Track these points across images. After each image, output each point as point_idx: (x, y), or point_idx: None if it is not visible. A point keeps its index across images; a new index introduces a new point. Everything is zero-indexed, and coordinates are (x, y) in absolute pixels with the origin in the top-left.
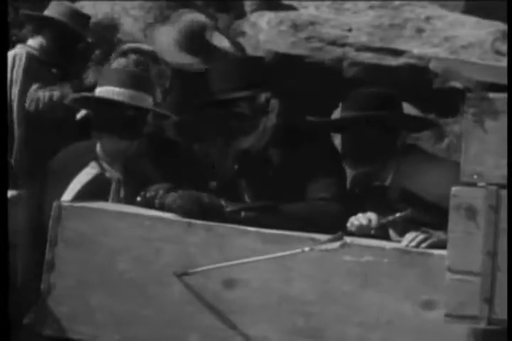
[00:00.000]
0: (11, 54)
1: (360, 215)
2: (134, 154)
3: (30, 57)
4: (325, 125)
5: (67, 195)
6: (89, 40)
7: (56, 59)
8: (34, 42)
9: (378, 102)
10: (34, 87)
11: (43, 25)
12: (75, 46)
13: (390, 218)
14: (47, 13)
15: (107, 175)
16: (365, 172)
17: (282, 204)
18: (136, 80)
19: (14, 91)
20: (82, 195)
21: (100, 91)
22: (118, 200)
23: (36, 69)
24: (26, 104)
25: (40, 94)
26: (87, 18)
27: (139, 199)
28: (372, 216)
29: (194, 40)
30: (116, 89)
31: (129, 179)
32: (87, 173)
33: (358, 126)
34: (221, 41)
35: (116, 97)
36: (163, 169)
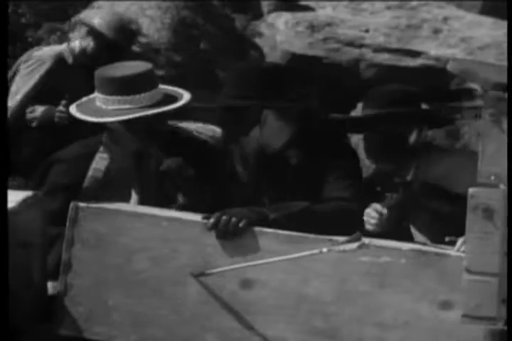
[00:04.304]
0: (36, 54)
1: (368, 211)
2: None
3: (58, 60)
4: (347, 122)
5: (90, 183)
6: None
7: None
8: (78, 44)
9: (397, 99)
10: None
11: (91, 32)
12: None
13: (391, 202)
14: (97, 21)
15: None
16: (387, 169)
17: (315, 205)
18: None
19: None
20: (109, 180)
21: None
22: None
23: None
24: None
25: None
26: (134, 33)
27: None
28: (377, 207)
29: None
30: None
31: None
32: (102, 158)
33: (379, 124)
34: None
35: None
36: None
